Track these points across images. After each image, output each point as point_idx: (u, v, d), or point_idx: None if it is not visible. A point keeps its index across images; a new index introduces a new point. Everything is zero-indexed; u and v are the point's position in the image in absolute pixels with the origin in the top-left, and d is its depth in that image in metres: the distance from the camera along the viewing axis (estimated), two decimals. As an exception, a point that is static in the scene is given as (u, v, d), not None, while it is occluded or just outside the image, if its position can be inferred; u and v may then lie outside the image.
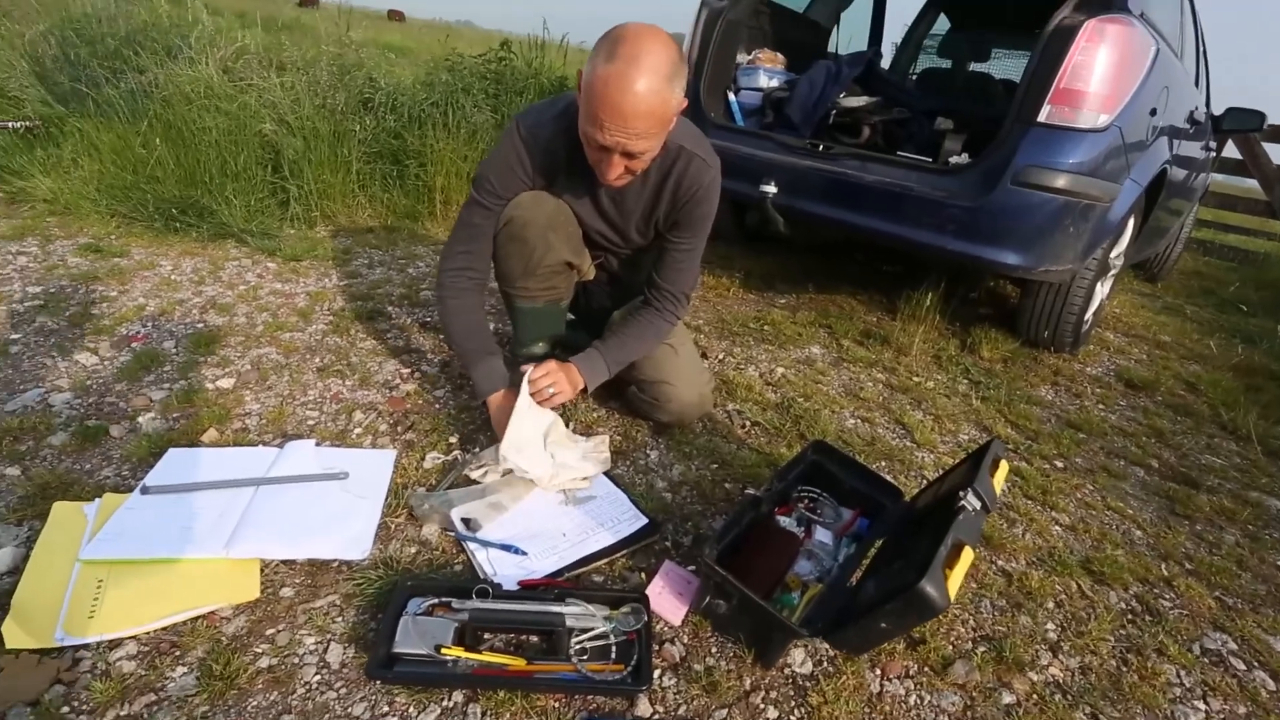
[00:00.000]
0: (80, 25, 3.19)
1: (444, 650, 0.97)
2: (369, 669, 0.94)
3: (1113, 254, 2.47)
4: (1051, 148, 1.96)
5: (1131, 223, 2.45)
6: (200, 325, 1.90)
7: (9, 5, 3.40)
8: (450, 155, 3.29)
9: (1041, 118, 1.95)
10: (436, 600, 1.05)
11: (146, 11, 3.40)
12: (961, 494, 0.97)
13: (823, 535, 1.24)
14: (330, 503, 1.25)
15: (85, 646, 0.95)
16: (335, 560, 1.14)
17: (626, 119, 1.13)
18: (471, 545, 1.19)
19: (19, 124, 2.93)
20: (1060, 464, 1.83)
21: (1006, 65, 3.60)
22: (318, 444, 1.42)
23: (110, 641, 0.97)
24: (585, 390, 1.47)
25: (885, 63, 4.10)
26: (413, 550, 1.19)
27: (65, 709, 0.88)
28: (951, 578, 0.85)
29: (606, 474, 1.43)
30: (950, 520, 0.93)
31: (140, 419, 1.46)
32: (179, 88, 2.81)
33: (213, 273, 2.28)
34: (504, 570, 1.16)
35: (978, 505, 0.95)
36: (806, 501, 1.30)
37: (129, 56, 2.93)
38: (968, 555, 0.88)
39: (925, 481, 1.61)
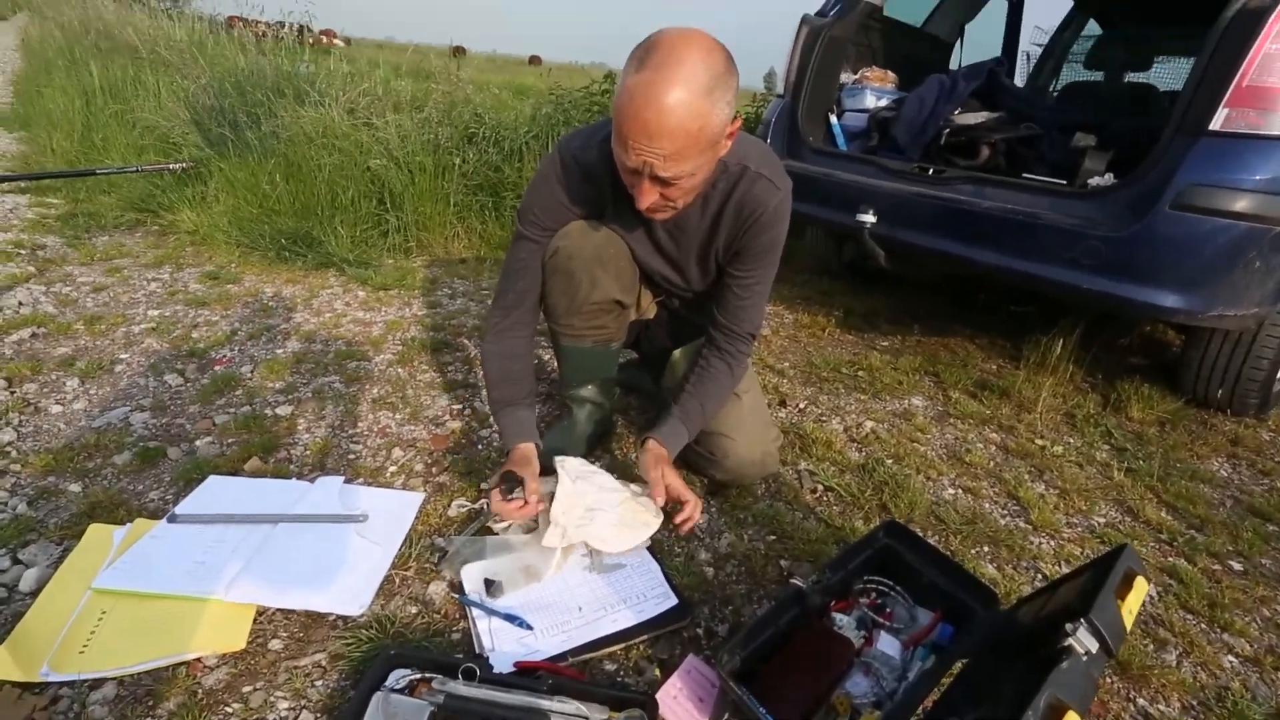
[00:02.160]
0: (235, 77, 3.57)
1: (408, 742, 0.84)
2: (322, 756, 0.83)
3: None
4: (1229, 161, 1.58)
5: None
6: (280, 351, 1.97)
7: (176, 61, 3.90)
8: (545, 187, 3.31)
9: (1215, 125, 1.58)
10: (419, 676, 0.94)
11: (289, 62, 3.76)
12: (1070, 627, 0.71)
13: (888, 644, 0.99)
14: (341, 548, 1.18)
15: (69, 684, 0.93)
16: (331, 614, 1.07)
17: (652, 136, 0.98)
18: (475, 612, 1.07)
19: (177, 166, 3.31)
20: (1238, 565, 1.42)
21: (1172, 73, 3.08)
22: (346, 481, 1.38)
23: (93, 681, 0.93)
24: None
25: (1020, 79, 3.68)
26: (413, 610, 1.09)
27: (29, 755, 0.85)
28: (1043, 757, 0.60)
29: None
30: (1051, 665, 0.68)
31: (198, 442, 1.50)
32: (301, 128, 3.04)
33: (306, 300, 2.39)
34: (504, 646, 1.02)
35: (1093, 648, 0.69)
36: (872, 596, 1.06)
37: (266, 103, 3.23)
38: (1071, 724, 0.62)
39: (1039, 580, 1.29)
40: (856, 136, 2.65)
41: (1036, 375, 2.17)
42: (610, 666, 1.02)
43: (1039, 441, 1.86)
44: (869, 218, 2.06)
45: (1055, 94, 3.49)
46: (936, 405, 2.03)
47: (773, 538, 1.33)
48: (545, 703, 0.89)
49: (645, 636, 1.06)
